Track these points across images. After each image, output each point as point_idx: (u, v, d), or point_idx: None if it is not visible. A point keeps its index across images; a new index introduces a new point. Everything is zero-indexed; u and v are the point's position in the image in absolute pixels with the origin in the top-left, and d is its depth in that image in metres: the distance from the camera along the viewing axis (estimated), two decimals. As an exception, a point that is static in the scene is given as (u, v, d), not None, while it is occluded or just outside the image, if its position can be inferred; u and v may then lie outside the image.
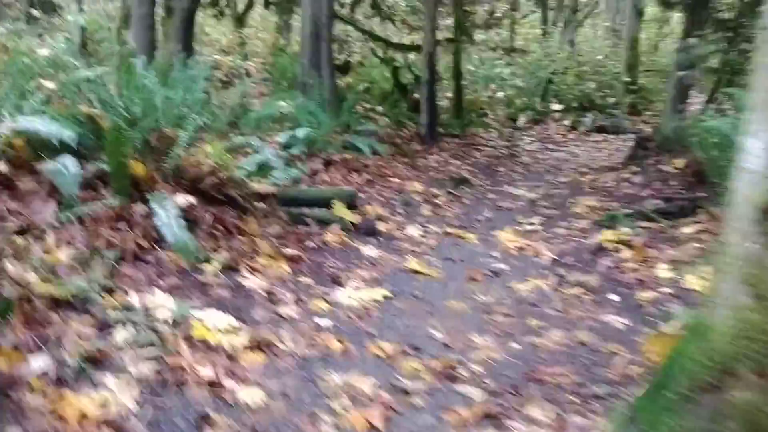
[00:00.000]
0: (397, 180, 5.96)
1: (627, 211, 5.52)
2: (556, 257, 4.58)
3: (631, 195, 6.13)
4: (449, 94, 11.21)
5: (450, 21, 10.03)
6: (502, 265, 4.36)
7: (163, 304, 2.86)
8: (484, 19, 12.40)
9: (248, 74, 12.04)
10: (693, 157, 6.37)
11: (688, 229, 4.88)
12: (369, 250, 4.28)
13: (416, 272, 4.08)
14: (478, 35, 13.36)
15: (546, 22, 16.98)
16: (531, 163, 8.21)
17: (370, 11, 10.59)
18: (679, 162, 6.51)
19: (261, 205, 4.37)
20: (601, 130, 11.51)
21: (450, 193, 6.02)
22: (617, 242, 4.65)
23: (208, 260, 3.45)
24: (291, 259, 3.82)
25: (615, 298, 3.95)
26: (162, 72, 5.30)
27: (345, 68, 9.58)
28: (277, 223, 4.22)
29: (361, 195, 5.29)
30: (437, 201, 5.71)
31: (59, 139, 2.98)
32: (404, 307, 3.53)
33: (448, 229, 4.98)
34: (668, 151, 6.77)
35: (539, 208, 5.87)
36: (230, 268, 3.49)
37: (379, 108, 10.24)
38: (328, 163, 5.61)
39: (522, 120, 11.67)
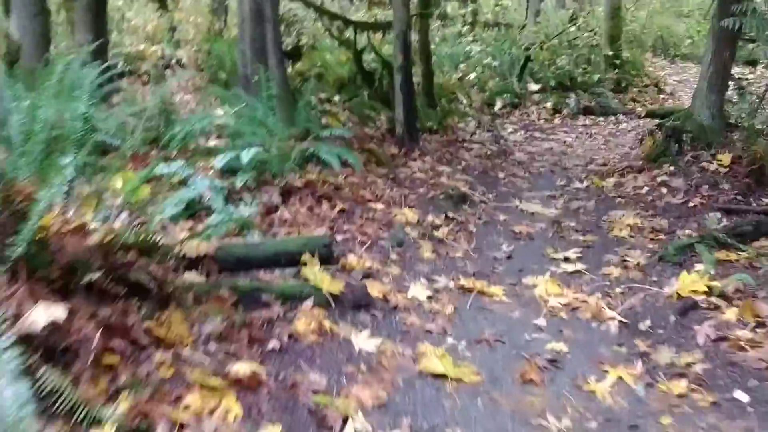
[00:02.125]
0: (380, 205, 4.48)
1: (691, 235, 4.20)
2: (625, 320, 3.21)
3: (679, 206, 4.80)
4: (417, 80, 9.77)
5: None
6: (557, 345, 2.95)
7: None
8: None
9: (181, 65, 10.32)
10: (746, 151, 5.09)
11: (790, 263, 3.57)
12: (363, 340, 2.80)
13: (440, 376, 2.64)
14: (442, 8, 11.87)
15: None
16: (527, 161, 6.83)
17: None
18: (725, 158, 5.22)
19: (191, 278, 2.84)
20: (587, 112, 10.21)
21: (450, 218, 4.57)
22: (707, 293, 3.30)
23: (94, 421, 1.94)
24: (243, 385, 2.33)
25: (744, 399, 2.60)
26: (40, 77, 3.73)
27: (295, 54, 8.00)
28: (219, 309, 2.70)
29: (337, 237, 3.80)
30: (438, 233, 4.26)
31: None
32: (441, 468, 2.09)
33: (464, 282, 3.55)
34: (707, 143, 5.47)
35: (568, 232, 4.49)
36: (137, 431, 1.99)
37: (336, 99, 8.72)
38: (287, 193, 4.09)
39: (499, 104, 10.28)
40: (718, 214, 4.50)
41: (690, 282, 3.36)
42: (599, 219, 4.73)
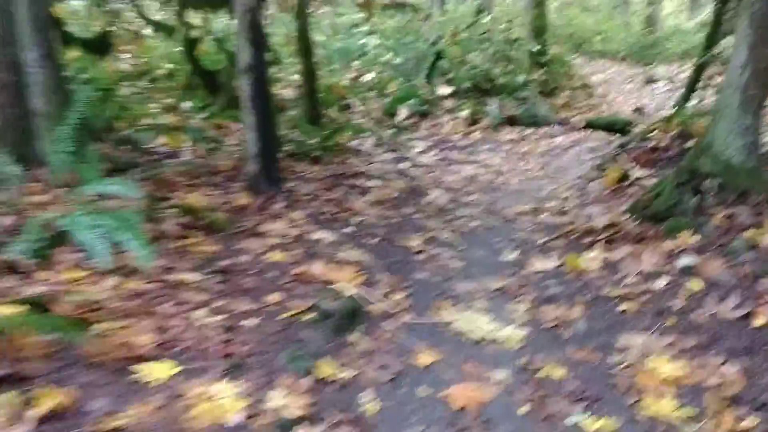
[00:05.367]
0: (163, 372, 2.05)
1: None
2: None
3: (738, 326, 2.67)
4: (295, 81, 7.38)
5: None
6: None
7: None
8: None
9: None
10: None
11: None
12: None
13: None
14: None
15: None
16: (450, 207, 4.59)
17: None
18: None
19: None
20: (512, 122, 8.15)
21: (322, 382, 2.21)
22: None
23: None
24: None
25: None
26: None
27: (101, 45, 5.39)
28: None
29: None
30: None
31: None
32: None
33: None
34: (741, 192, 3.40)
35: (557, 402, 2.25)
36: None
37: (189, 107, 6.19)
38: None
39: (403, 113, 8.01)
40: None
41: None
42: (604, 357, 2.53)
